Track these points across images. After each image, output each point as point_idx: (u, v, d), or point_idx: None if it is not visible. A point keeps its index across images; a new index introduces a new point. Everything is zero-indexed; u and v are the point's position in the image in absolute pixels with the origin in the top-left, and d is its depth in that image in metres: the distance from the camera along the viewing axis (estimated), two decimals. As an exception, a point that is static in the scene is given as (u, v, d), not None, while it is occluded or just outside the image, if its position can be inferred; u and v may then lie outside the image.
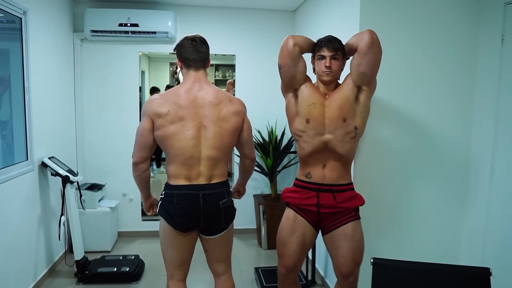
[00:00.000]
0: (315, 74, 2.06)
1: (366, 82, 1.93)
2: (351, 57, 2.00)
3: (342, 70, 2.03)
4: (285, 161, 4.08)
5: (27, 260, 2.79)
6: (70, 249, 3.40)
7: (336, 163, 2.00)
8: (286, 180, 4.17)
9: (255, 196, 4.09)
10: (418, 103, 2.51)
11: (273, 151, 3.84)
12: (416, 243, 2.62)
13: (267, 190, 4.18)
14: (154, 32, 3.68)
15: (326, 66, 1.93)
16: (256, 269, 3.16)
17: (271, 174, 3.90)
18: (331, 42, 1.94)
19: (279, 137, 4.02)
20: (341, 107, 1.94)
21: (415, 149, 2.55)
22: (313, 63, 2.06)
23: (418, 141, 2.55)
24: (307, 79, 2.04)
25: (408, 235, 2.62)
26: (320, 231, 2.11)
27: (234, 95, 4.13)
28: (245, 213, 4.18)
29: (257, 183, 4.20)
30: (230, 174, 4.23)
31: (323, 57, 1.95)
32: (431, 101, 2.52)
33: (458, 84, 2.53)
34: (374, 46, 1.86)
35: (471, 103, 2.54)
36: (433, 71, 2.50)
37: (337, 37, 2.00)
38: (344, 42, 2.01)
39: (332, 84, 2.01)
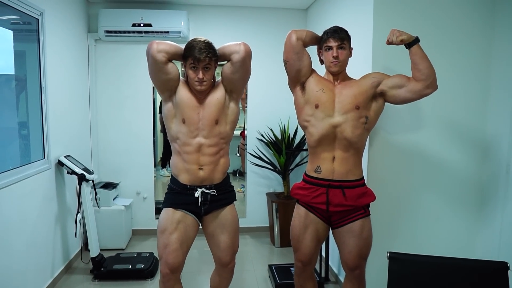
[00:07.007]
0: (322, 65, 2.08)
1: (394, 103, 2.02)
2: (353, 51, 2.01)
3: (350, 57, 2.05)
4: (297, 159, 4.08)
5: (45, 257, 2.84)
6: (86, 247, 3.46)
7: (345, 154, 1.98)
8: (299, 178, 4.09)
9: (268, 194, 4.09)
10: (433, 101, 2.45)
11: (286, 149, 3.84)
12: (430, 239, 2.60)
13: (279, 188, 4.18)
14: (167, 32, 3.71)
15: (333, 56, 1.95)
16: (270, 266, 3.16)
17: (283, 172, 3.90)
18: (337, 32, 1.96)
19: (291, 135, 4.01)
20: (356, 96, 1.95)
21: (429, 146, 2.53)
22: (319, 54, 2.07)
23: (433, 138, 2.53)
24: (313, 71, 2.06)
25: (422, 231, 2.60)
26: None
27: (246, 95, 4.14)
28: (258, 211, 4.20)
29: (270, 181, 4.20)
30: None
31: (330, 48, 1.97)
32: (446, 99, 2.49)
33: (472, 84, 2.51)
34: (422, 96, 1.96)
35: (486, 102, 2.51)
36: (447, 70, 2.45)
37: (350, 35, 2.01)
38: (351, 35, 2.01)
39: (341, 74, 2.03)
